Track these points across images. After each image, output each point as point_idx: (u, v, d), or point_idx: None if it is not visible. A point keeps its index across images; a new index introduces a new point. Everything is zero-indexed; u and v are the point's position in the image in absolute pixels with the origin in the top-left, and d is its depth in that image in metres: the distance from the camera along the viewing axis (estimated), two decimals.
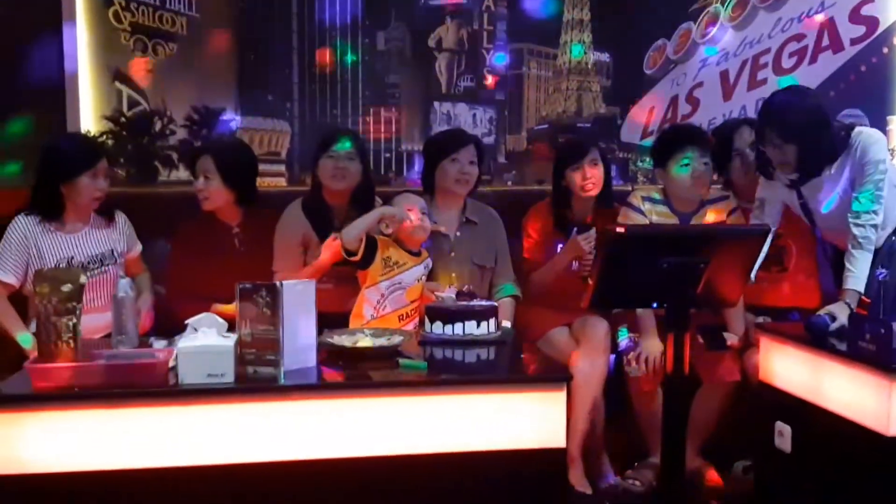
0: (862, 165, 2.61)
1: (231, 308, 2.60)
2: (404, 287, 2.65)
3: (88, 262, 2.78)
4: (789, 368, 2.52)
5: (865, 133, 2.66)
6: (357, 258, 2.59)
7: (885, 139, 2.69)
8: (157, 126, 3.94)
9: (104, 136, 3.85)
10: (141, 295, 2.81)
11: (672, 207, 2.99)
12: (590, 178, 3.01)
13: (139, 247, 3.01)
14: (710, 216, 2.98)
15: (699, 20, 4.21)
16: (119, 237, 2.92)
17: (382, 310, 2.63)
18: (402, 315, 2.65)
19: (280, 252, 2.90)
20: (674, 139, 3.00)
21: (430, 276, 2.79)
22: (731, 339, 2.84)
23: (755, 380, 2.71)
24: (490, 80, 4.14)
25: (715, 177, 3.08)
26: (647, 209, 2.99)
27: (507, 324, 2.66)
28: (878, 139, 2.65)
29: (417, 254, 2.72)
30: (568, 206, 3.08)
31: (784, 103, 2.64)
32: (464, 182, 2.96)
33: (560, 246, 3.06)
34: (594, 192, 3.04)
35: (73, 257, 2.76)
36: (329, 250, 2.74)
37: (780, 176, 2.76)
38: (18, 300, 2.78)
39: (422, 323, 2.64)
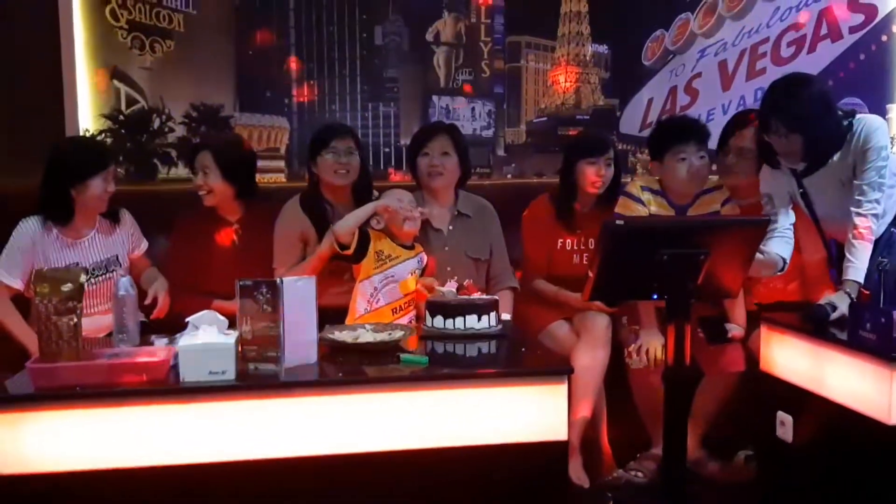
0: (864, 152, 2.57)
1: (232, 305, 2.63)
2: (398, 280, 2.65)
3: (94, 269, 2.77)
4: (790, 358, 2.52)
5: (867, 119, 2.62)
6: (350, 252, 2.60)
7: (886, 125, 2.65)
8: (156, 124, 3.94)
9: (103, 135, 3.84)
10: (156, 280, 2.83)
11: (668, 199, 2.97)
12: (603, 176, 2.99)
13: (145, 244, 3.00)
14: (704, 206, 2.96)
15: (697, 11, 4.21)
16: (125, 239, 2.91)
17: (376, 303, 2.63)
18: (396, 308, 2.65)
19: (279, 249, 2.90)
20: (670, 133, 2.95)
21: (426, 271, 2.79)
22: (735, 330, 2.84)
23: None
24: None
25: (714, 167, 3.06)
26: (645, 199, 2.97)
27: (506, 316, 2.66)
28: (880, 125, 2.61)
29: (411, 247, 2.72)
30: (573, 197, 3.07)
31: (788, 92, 2.58)
32: (436, 174, 2.95)
33: (561, 241, 3.06)
34: (601, 190, 3.02)
35: (78, 263, 2.75)
36: (329, 240, 2.74)
37: (784, 165, 2.73)
38: (22, 303, 2.77)
39: (418, 317, 2.64)
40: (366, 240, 2.62)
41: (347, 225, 2.59)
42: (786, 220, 2.76)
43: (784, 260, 2.69)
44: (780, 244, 2.70)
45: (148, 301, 2.75)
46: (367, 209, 2.64)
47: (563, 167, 3.08)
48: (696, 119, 3.23)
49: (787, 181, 2.77)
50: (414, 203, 2.75)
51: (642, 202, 2.96)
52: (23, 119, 3.66)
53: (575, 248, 3.08)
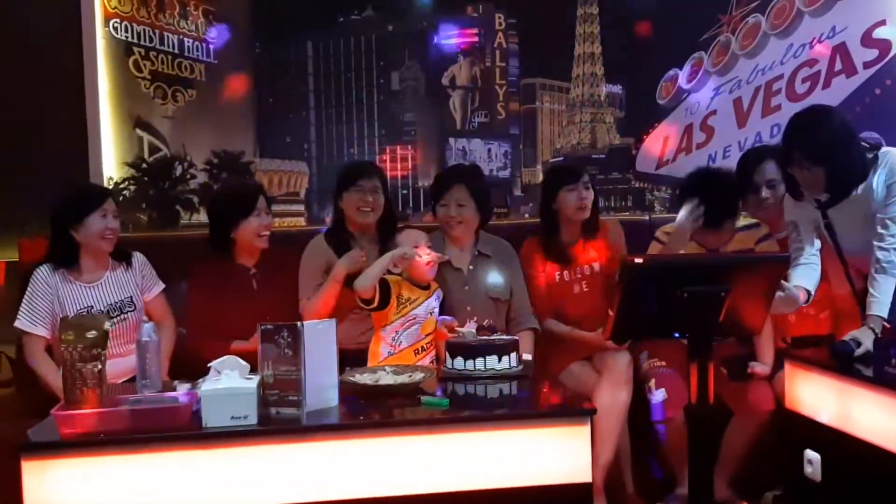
0: (888, 186, 2.56)
1: (248, 345, 2.63)
2: (419, 321, 2.65)
3: (107, 311, 2.78)
4: (816, 395, 2.49)
5: (893, 153, 2.60)
6: (375, 304, 2.61)
7: None
8: (178, 171, 4.01)
9: (126, 183, 3.91)
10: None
11: (697, 241, 2.97)
12: (585, 199, 3.02)
13: (159, 287, 2.99)
14: (737, 244, 2.96)
15: (710, 49, 4.24)
16: (138, 281, 2.93)
17: (398, 346, 2.63)
18: (418, 349, 2.65)
19: (305, 282, 2.93)
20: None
21: (446, 311, 2.79)
22: (759, 367, 2.81)
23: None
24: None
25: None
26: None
27: (527, 356, 2.65)
28: None
29: (427, 287, 2.72)
30: (557, 230, 3.09)
31: (810, 124, 2.57)
32: (455, 224, 2.97)
33: (558, 275, 3.07)
34: (586, 214, 3.05)
35: (92, 307, 2.77)
36: (345, 263, 2.76)
37: (809, 197, 2.72)
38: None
39: (438, 358, 2.65)
40: (387, 288, 2.63)
41: (367, 281, 2.59)
42: (811, 248, 2.74)
43: (808, 291, 2.66)
44: (804, 273, 2.68)
45: None
46: (384, 261, 2.64)
47: (543, 201, 3.11)
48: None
49: (811, 211, 2.75)
50: (429, 243, 2.76)
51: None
52: (48, 169, 3.74)
53: (574, 277, 3.09)
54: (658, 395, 2.81)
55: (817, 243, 2.76)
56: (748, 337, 2.82)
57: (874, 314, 2.50)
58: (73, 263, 2.79)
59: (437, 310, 2.71)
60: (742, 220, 3.01)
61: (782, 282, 2.47)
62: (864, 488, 2.27)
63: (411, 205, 4.21)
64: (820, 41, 4.21)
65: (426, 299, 2.69)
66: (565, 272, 3.09)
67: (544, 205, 3.11)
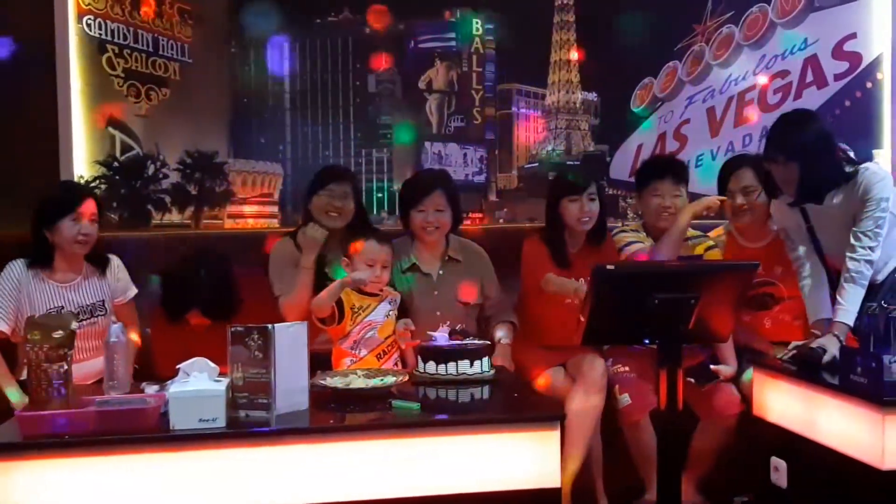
0: (864, 201, 2.62)
1: None
2: (375, 327, 2.66)
3: (78, 313, 2.75)
4: (782, 403, 2.52)
5: (871, 169, 2.68)
6: (334, 323, 2.61)
7: (890, 177, 2.69)
8: (150, 170, 3.97)
9: (97, 181, 3.86)
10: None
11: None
12: (587, 212, 3.01)
13: (132, 293, 2.95)
14: (685, 251, 3.02)
15: (684, 58, 4.28)
16: (112, 285, 2.89)
17: (359, 354, 2.63)
18: (380, 353, 2.65)
19: (276, 278, 2.93)
20: (648, 170, 3.12)
21: (414, 315, 2.79)
22: (724, 369, 2.84)
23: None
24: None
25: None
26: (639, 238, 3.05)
27: (506, 340, 2.66)
28: (884, 177, 2.65)
29: (378, 293, 2.72)
30: (561, 237, 3.08)
31: (791, 122, 2.69)
32: (432, 230, 2.96)
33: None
34: (589, 226, 3.03)
35: (63, 307, 2.74)
36: (309, 245, 2.77)
37: (784, 197, 2.77)
38: (6, 347, 2.75)
39: (403, 361, 2.65)
40: (340, 304, 2.63)
41: (323, 303, 2.60)
42: (807, 254, 2.83)
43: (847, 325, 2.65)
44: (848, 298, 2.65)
45: None
46: (336, 287, 2.62)
47: (548, 207, 3.10)
48: (675, 158, 3.36)
49: (794, 214, 2.81)
50: (390, 258, 2.75)
51: (640, 241, 3.04)
52: (19, 166, 3.68)
53: None
54: (623, 400, 2.83)
55: (808, 245, 2.83)
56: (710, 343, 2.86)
57: (840, 322, 2.54)
58: (48, 263, 2.76)
59: (393, 312, 2.71)
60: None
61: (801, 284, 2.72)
62: (829, 495, 2.30)
63: (386, 208, 4.20)
64: (793, 53, 4.27)
65: (379, 304, 2.69)
66: (562, 278, 3.08)
67: (549, 210, 3.08)
